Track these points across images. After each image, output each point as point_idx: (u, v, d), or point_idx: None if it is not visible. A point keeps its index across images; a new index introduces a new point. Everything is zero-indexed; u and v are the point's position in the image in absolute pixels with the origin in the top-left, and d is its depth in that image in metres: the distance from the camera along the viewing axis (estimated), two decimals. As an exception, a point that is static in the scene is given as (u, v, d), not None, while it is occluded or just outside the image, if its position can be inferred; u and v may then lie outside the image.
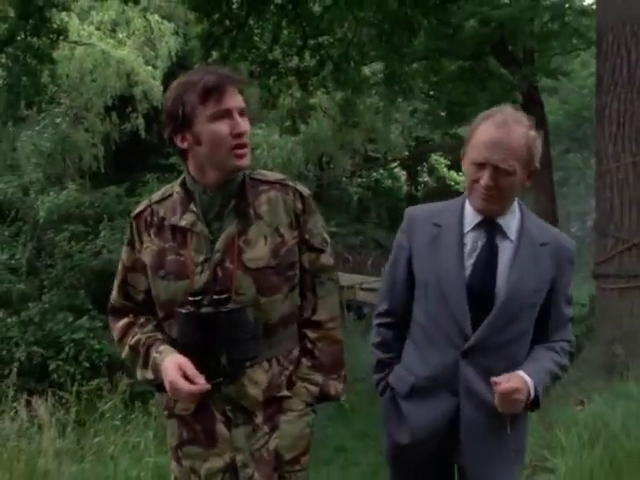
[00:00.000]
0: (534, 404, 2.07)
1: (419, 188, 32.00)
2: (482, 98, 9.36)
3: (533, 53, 7.93)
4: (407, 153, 27.38)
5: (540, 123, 9.27)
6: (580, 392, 4.83)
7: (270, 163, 19.49)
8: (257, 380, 1.96)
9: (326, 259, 2.09)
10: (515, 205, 2.17)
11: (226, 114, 1.89)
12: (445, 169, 29.72)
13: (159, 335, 2.02)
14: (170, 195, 2.04)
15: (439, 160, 29.44)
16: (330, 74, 13.23)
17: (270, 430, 1.99)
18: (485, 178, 2.03)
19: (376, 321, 2.37)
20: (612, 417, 3.91)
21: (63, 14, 12.34)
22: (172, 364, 1.88)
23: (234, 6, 12.60)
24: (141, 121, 20.16)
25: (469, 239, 2.14)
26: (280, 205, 2.01)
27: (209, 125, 1.88)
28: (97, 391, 5.18)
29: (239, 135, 1.89)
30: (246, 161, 1.93)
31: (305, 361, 2.06)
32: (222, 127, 1.88)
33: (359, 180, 28.41)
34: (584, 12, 7.39)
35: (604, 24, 5.80)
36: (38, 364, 7.14)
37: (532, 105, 8.53)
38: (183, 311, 1.91)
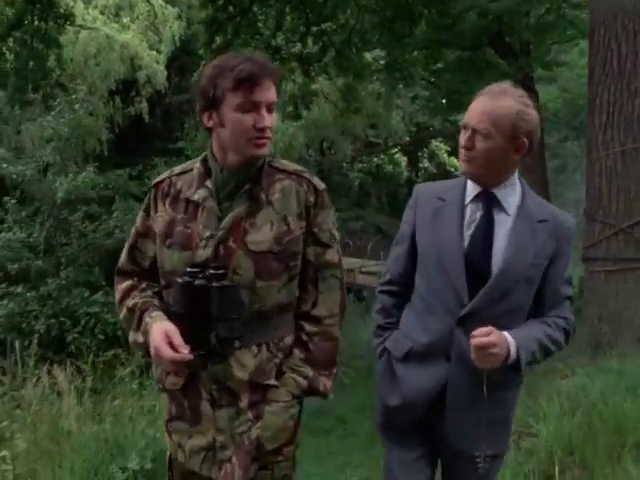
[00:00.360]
0: (515, 366, 2.07)
1: (419, 174, 32.10)
2: (479, 87, 9.56)
3: (529, 45, 8.12)
4: (408, 139, 27.47)
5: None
6: (566, 367, 5.10)
7: (272, 147, 19.60)
8: (244, 363, 1.97)
9: (332, 255, 2.10)
10: (515, 181, 2.21)
11: (253, 107, 1.91)
12: (445, 155, 29.79)
13: (155, 301, 2.05)
14: (191, 170, 2.08)
15: (439, 146, 29.49)
16: (332, 60, 13.32)
17: (254, 418, 1.99)
18: (464, 139, 2.12)
19: (379, 289, 2.43)
20: (592, 388, 4.19)
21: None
22: (159, 330, 1.89)
23: None
24: (145, 105, 20.27)
25: (468, 211, 2.19)
26: (293, 195, 2.03)
27: (235, 113, 1.91)
28: (113, 360, 5.46)
29: (262, 129, 1.92)
30: (265, 150, 1.97)
31: (298, 352, 2.06)
32: (247, 118, 1.91)
33: (360, 165, 28.31)
34: (578, 5, 7.59)
35: (596, 18, 6.00)
36: (56, 336, 7.46)
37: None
38: (179, 280, 1.92)
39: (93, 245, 8.37)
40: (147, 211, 2.11)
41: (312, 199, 2.05)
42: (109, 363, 5.41)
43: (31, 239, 8.20)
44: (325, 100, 20.22)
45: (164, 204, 2.06)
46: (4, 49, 11.96)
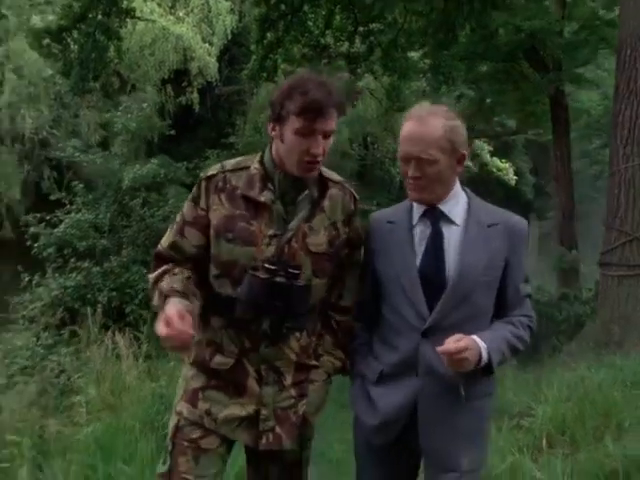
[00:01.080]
0: (487, 369, 2.10)
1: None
2: (512, 98, 9.94)
3: (561, 60, 8.41)
4: None
5: (564, 124, 9.80)
6: (574, 362, 5.53)
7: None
8: (292, 346, 2.17)
9: (358, 255, 2.31)
10: (458, 191, 2.25)
11: (311, 133, 2.03)
12: (488, 155, 29.77)
13: (181, 287, 2.07)
14: (246, 168, 2.18)
15: (482, 145, 29.46)
16: (378, 60, 13.58)
17: (298, 396, 2.20)
18: (411, 170, 2.14)
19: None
20: (591, 380, 4.64)
21: (129, -6, 13.02)
22: (172, 308, 1.94)
23: None
24: (196, 95, 20.91)
25: (417, 230, 2.23)
26: (339, 203, 2.21)
27: (294, 136, 2.04)
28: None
29: (313, 155, 2.06)
30: (313, 174, 2.13)
31: (329, 338, 2.29)
32: (302, 142, 2.04)
33: None
34: (611, 22, 7.84)
35: (623, 38, 6.33)
36: (116, 307, 8.14)
37: (557, 107, 9.05)
38: (260, 275, 2.07)
39: (150, 228, 9.14)
40: (196, 201, 2.18)
41: (352, 207, 2.25)
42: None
43: (97, 220, 9.02)
44: (370, 96, 20.56)
45: (219, 198, 2.14)
46: (69, 40, 12.51)
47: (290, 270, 2.08)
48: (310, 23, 13.62)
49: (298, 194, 2.14)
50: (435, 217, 2.20)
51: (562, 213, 9.23)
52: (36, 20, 16.35)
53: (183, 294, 2.06)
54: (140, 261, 8.97)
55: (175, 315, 1.89)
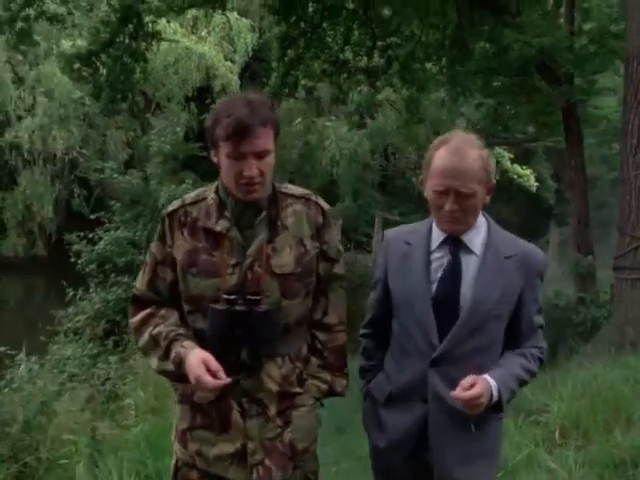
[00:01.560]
0: (497, 407, 2.10)
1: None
2: (525, 110, 10.21)
3: (572, 73, 8.66)
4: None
5: (577, 134, 10.02)
6: (589, 362, 5.77)
7: (338, 154, 20.44)
8: (272, 375, 2.06)
9: (339, 268, 2.21)
10: (481, 220, 2.22)
11: (241, 156, 1.96)
12: (508, 162, 29.86)
13: (181, 330, 2.08)
14: (204, 199, 2.13)
15: (502, 153, 29.55)
16: (396, 73, 13.81)
17: (283, 424, 2.10)
18: (449, 204, 2.09)
19: (360, 332, 2.48)
20: (604, 378, 4.89)
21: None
22: (196, 359, 1.95)
23: (310, 10, 13.47)
24: (219, 112, 21.48)
25: (436, 256, 2.21)
26: (304, 218, 2.12)
27: (226, 159, 1.99)
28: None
29: (248, 177, 1.98)
30: (254, 195, 2.03)
31: (315, 360, 2.19)
32: (235, 166, 1.98)
33: None
34: (618, 35, 8.09)
35: (630, 51, 6.58)
36: None
37: (569, 118, 9.29)
38: (218, 307, 2.00)
39: None
40: (163, 239, 2.15)
41: (320, 220, 2.15)
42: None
43: (135, 237, 9.60)
44: (390, 108, 20.87)
45: (182, 233, 2.10)
46: (98, 64, 12.91)
47: (249, 297, 2.00)
48: (329, 39, 13.85)
49: (255, 217, 2.08)
50: (456, 247, 2.18)
51: (578, 220, 9.45)
52: (66, 45, 16.91)
53: (187, 336, 2.06)
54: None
55: (214, 361, 1.94)
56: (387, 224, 21.95)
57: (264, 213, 2.07)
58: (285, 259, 2.07)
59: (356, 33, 13.81)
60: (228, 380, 1.92)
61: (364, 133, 20.67)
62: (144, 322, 2.14)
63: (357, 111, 15.44)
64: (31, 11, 11.08)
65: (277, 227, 2.08)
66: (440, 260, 2.19)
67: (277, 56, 14.44)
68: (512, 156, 28.80)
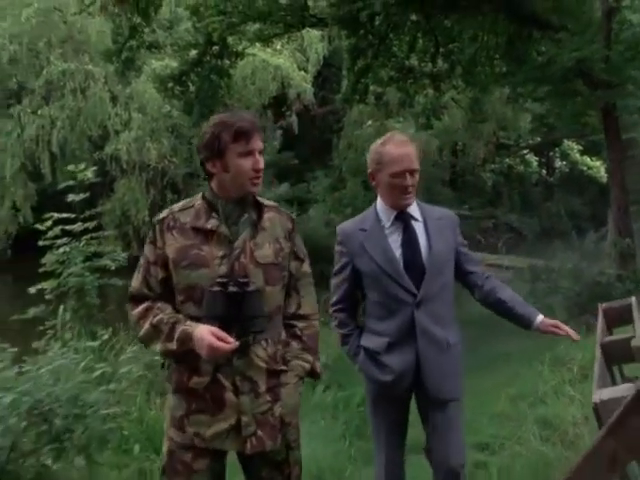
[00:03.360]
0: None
1: (552, 173, 32.32)
2: (567, 112, 11.00)
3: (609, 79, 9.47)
4: (538, 139, 27.83)
5: (615, 132, 10.74)
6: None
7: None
8: (260, 355, 2.32)
9: (306, 267, 2.55)
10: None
11: (250, 153, 2.33)
12: (578, 154, 29.97)
13: (180, 316, 2.32)
14: (192, 206, 2.42)
15: (571, 145, 29.64)
16: (460, 76, 14.50)
17: (273, 400, 2.35)
18: (409, 180, 2.73)
19: (332, 309, 2.99)
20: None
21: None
22: (205, 331, 2.19)
23: (377, 23, 14.41)
24: (294, 118, 22.93)
25: (389, 231, 2.82)
26: (277, 223, 2.46)
27: (237, 159, 2.32)
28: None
29: (258, 170, 2.36)
30: (258, 188, 2.40)
31: (295, 344, 2.45)
32: (247, 163, 2.33)
33: (492, 166, 29.12)
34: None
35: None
36: None
37: (608, 118, 10.08)
38: (213, 289, 2.24)
39: None
40: (154, 243, 2.41)
41: (290, 226, 2.50)
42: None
43: None
44: (456, 107, 21.57)
45: (172, 235, 2.36)
46: (188, 82, 14.28)
47: (239, 280, 2.26)
48: (395, 48, 14.66)
49: (239, 217, 2.39)
50: (406, 217, 2.82)
51: (618, 207, 10.31)
52: (155, 64, 18.56)
53: (185, 320, 2.31)
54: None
55: (221, 332, 2.19)
56: (461, 218, 22.31)
57: (246, 215, 2.39)
58: (266, 251, 2.37)
59: (420, 41, 14.51)
60: (236, 343, 2.19)
61: (431, 132, 21.31)
62: (143, 315, 2.38)
63: (423, 114, 16.07)
64: (134, 42, 12.63)
65: (257, 227, 2.39)
66: (394, 233, 2.82)
67: (347, 66, 15.05)
68: (581, 148, 29.00)
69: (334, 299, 2.96)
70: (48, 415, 3.12)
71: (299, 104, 22.47)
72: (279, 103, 23.09)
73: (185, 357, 2.29)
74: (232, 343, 2.17)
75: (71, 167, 5.46)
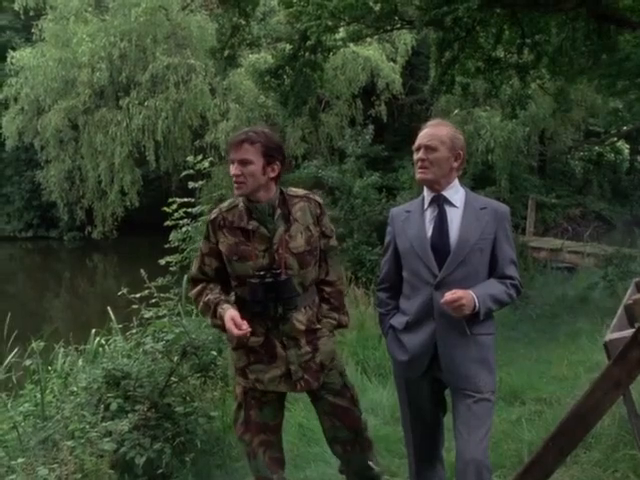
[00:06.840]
0: (476, 314, 2.66)
1: (645, 161, 31.29)
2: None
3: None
4: (630, 127, 27.00)
5: None
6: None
7: (492, 142, 21.45)
8: (300, 319, 2.81)
9: (333, 242, 2.94)
10: (457, 184, 2.85)
11: (231, 161, 2.70)
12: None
13: (223, 297, 2.80)
14: (236, 206, 2.83)
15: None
16: (546, 67, 14.83)
17: (312, 350, 2.84)
18: (422, 154, 2.78)
19: (377, 287, 3.11)
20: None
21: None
22: (228, 316, 2.67)
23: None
24: (383, 107, 23.51)
25: (428, 213, 2.84)
26: (307, 211, 2.82)
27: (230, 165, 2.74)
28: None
29: (233, 176, 2.69)
30: (239, 192, 2.73)
31: (324, 306, 2.92)
32: (231, 169, 2.71)
33: (581, 154, 28.76)
34: None
35: None
36: (352, 273, 10.83)
37: None
38: (253, 281, 2.71)
39: (370, 219, 12.64)
40: (208, 238, 2.86)
41: (318, 211, 2.86)
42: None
43: (333, 215, 12.19)
44: (543, 94, 21.43)
45: (223, 233, 2.81)
46: (284, 76, 15.12)
47: (273, 272, 2.70)
48: (482, 40, 14.84)
49: (273, 215, 2.79)
50: (440, 200, 2.84)
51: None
52: (252, 58, 19.56)
53: (227, 300, 2.80)
54: (365, 242, 12.39)
55: (238, 318, 2.65)
56: (543, 207, 22.48)
57: (279, 211, 2.78)
58: (299, 242, 2.78)
59: (507, 33, 14.71)
60: (249, 329, 2.65)
61: (517, 121, 21.28)
62: (199, 293, 2.90)
63: (509, 104, 16.27)
64: (235, 40, 13.59)
65: (290, 220, 2.78)
66: (431, 215, 2.85)
67: (435, 58, 15.38)
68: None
69: (380, 277, 3.09)
70: (197, 351, 3.99)
71: (388, 94, 23.01)
72: (368, 93, 23.68)
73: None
74: (243, 330, 2.65)
75: (190, 158, 6.03)
